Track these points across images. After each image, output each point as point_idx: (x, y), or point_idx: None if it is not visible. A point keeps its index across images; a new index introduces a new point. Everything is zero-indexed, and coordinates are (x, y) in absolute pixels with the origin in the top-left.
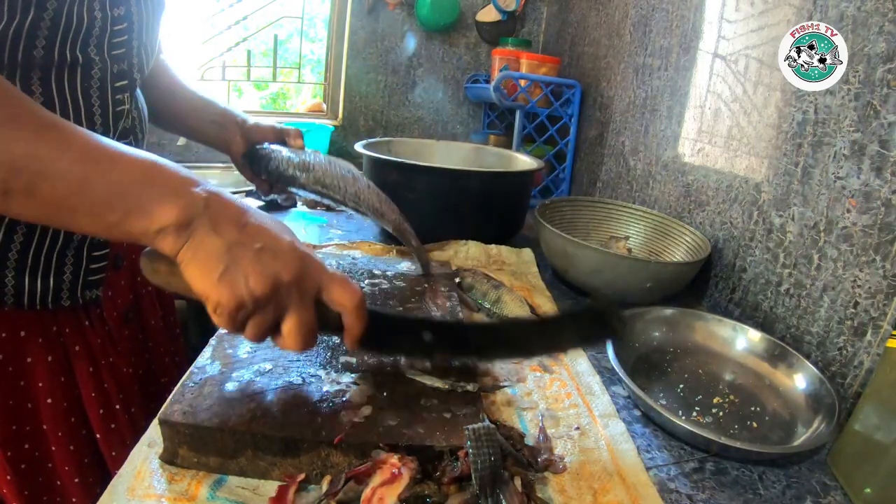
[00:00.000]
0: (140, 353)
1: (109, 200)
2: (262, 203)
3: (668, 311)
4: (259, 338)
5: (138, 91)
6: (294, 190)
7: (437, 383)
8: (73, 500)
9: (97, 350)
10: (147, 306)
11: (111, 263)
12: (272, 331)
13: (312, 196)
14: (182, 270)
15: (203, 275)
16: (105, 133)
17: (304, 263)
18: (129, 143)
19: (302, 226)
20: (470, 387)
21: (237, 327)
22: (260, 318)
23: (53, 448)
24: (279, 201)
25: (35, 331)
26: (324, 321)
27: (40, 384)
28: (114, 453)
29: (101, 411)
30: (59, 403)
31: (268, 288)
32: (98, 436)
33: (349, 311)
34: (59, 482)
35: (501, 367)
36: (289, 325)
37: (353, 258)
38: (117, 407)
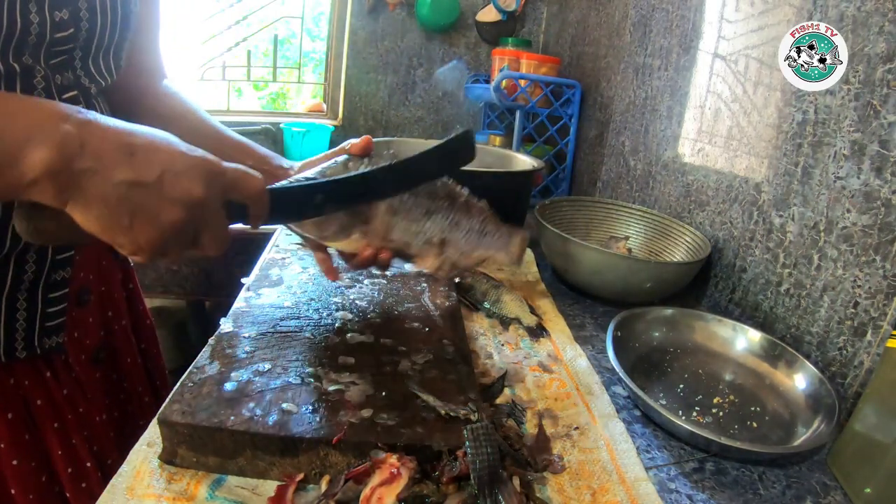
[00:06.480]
0: (115, 394)
1: None
2: None
3: (668, 311)
4: (180, 258)
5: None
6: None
7: (438, 405)
8: None
9: (63, 403)
10: (121, 343)
11: (74, 300)
12: (192, 245)
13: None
14: (79, 223)
15: (110, 226)
16: None
17: (206, 171)
18: None
19: None
20: (471, 414)
21: (157, 259)
22: (180, 242)
23: None
24: None
25: None
26: (231, 213)
27: (2, 445)
28: None
29: (70, 470)
30: (27, 464)
31: (183, 213)
32: (68, 495)
33: (254, 201)
34: None
35: (500, 367)
36: (207, 236)
37: None
38: (88, 465)
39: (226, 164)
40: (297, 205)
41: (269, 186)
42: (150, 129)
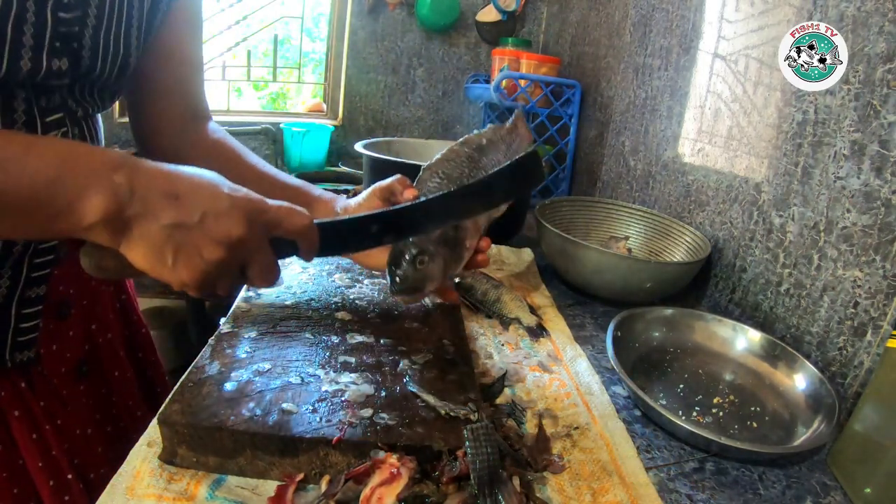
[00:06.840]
0: (105, 408)
1: (27, 203)
2: None
3: (668, 311)
4: (231, 291)
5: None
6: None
7: (438, 405)
8: None
9: (40, 415)
10: (108, 356)
11: (54, 314)
12: (240, 279)
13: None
14: (131, 262)
15: (156, 264)
16: None
17: (248, 210)
18: None
19: None
20: (471, 414)
21: (208, 293)
22: (226, 277)
23: None
24: None
25: None
26: (280, 249)
27: None
28: None
29: (51, 483)
30: None
31: (224, 251)
32: None
33: (302, 236)
34: None
35: (500, 367)
36: (254, 271)
37: None
38: (69, 476)
39: (270, 202)
40: (351, 237)
41: (317, 221)
42: (196, 170)
